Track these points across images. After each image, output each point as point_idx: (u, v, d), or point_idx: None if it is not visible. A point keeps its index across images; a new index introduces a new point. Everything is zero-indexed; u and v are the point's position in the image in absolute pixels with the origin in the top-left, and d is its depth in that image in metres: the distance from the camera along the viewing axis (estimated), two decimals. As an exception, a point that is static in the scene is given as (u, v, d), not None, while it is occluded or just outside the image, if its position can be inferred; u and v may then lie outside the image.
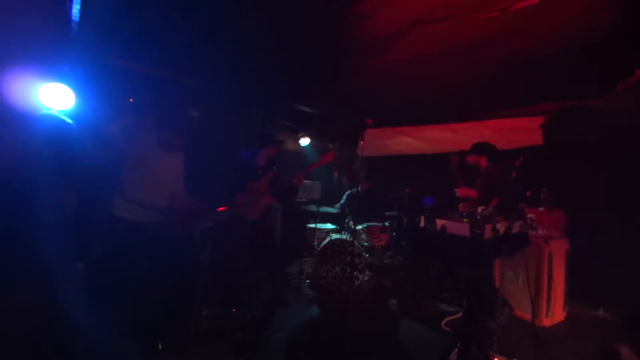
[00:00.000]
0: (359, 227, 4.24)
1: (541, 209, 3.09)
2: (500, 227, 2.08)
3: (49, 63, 2.03)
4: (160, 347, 2.25)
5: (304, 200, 4.79)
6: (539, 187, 3.16)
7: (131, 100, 2.89)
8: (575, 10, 1.89)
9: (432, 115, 4.33)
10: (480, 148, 3.02)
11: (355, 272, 3.75)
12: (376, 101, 3.74)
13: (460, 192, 2.98)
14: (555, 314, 2.96)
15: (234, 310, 2.95)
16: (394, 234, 4.28)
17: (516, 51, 2.36)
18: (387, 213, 4.27)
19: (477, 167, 2.98)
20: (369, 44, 2.41)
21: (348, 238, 3.88)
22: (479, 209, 2.26)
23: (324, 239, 4.10)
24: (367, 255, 3.98)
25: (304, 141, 4.84)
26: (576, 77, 2.76)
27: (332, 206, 4.83)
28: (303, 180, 3.19)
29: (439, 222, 2.25)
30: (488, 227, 2.00)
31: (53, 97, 2.01)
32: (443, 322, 2.96)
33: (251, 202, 2.87)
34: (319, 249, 3.95)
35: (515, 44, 2.26)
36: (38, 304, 1.85)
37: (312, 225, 4.42)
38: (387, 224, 4.21)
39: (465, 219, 2.14)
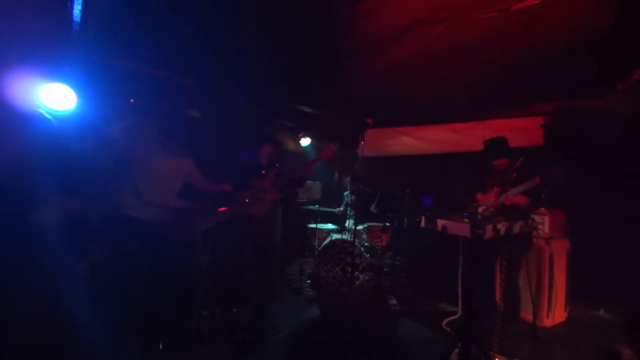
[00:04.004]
0: (360, 227, 4.23)
1: (542, 209, 3.08)
2: (501, 227, 2.08)
3: (50, 63, 2.04)
4: (161, 347, 2.26)
5: (304, 200, 4.78)
6: (540, 187, 3.14)
7: (131, 100, 2.90)
8: (576, 10, 1.89)
9: (433, 116, 4.33)
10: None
11: (356, 273, 3.75)
12: (377, 101, 3.73)
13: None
14: (556, 314, 2.96)
15: (234, 310, 2.96)
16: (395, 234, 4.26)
17: (516, 51, 2.36)
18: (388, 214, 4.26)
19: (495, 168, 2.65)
20: (369, 44, 2.40)
21: (349, 238, 3.88)
22: (480, 209, 2.26)
23: (325, 239, 4.10)
24: (368, 255, 3.97)
25: (305, 141, 4.84)
26: (576, 77, 2.76)
27: (335, 207, 4.79)
28: (309, 170, 3.21)
29: (440, 222, 2.24)
30: (489, 227, 1.99)
31: (54, 98, 2.03)
32: (444, 323, 2.96)
33: (257, 198, 2.92)
34: (319, 249, 3.95)
35: (516, 44, 2.25)
36: (39, 306, 1.86)
37: (313, 226, 4.42)
38: (387, 224, 4.20)
39: (465, 219, 2.14)
